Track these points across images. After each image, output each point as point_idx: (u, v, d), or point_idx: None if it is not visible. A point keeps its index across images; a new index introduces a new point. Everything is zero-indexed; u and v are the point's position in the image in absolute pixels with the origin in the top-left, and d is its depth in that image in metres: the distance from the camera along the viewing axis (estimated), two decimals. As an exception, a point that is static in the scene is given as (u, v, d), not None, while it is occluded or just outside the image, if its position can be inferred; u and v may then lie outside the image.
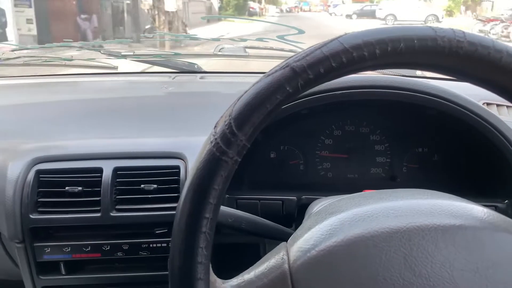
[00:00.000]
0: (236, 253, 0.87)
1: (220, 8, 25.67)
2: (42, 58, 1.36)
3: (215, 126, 0.38)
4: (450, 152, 0.87)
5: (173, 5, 9.58)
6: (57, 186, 0.80)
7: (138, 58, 1.34)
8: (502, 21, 13.48)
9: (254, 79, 0.38)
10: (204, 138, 0.39)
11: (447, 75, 0.42)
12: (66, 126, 0.98)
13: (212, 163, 0.37)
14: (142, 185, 0.80)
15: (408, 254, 0.39)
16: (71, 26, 10.12)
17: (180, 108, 1.10)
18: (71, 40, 1.40)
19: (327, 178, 0.90)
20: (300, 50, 0.38)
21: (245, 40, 1.34)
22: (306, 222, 0.49)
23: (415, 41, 0.36)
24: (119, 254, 0.82)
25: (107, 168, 0.81)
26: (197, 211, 0.38)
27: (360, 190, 0.63)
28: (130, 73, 1.43)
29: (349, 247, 0.40)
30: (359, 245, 0.40)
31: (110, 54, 1.36)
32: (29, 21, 9.11)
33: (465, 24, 16.43)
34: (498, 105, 1.00)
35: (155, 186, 0.80)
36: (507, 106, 1.01)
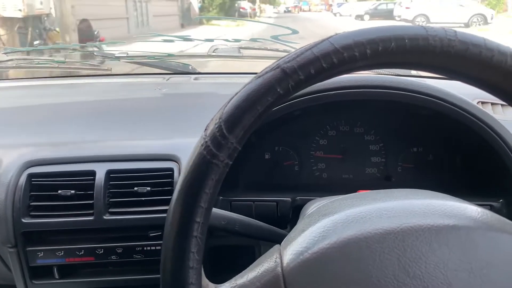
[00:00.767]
0: (232, 255, 0.86)
1: (201, 8, 21.53)
2: (34, 60, 1.35)
3: (205, 129, 0.38)
4: (445, 152, 0.87)
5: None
6: (49, 189, 0.80)
7: (131, 59, 1.33)
8: None
9: (248, 79, 0.38)
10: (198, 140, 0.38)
11: (439, 74, 0.42)
12: (58, 129, 0.97)
13: (202, 167, 0.37)
14: (135, 188, 0.80)
15: (401, 255, 0.39)
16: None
17: (174, 109, 1.09)
18: (64, 42, 1.39)
19: (322, 178, 0.89)
20: (294, 50, 0.38)
21: (239, 40, 1.34)
22: (299, 224, 0.49)
23: (406, 41, 0.36)
24: (113, 257, 0.81)
25: (100, 171, 0.80)
26: (188, 215, 0.37)
27: (355, 191, 0.63)
28: (123, 74, 1.43)
29: (342, 249, 0.40)
30: (352, 246, 0.40)
31: (103, 56, 1.36)
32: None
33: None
34: (492, 104, 1.00)
35: (149, 188, 0.80)
36: (502, 105, 1.01)
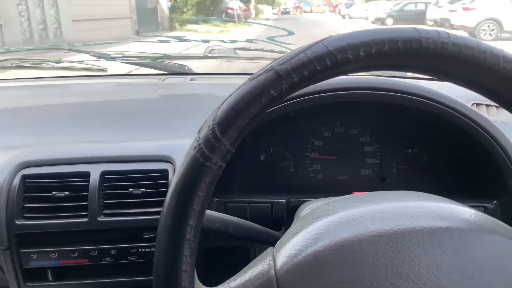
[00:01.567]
0: (226, 256, 0.86)
1: (172, 8, 16.70)
2: (29, 60, 1.35)
3: (199, 131, 0.38)
4: (439, 153, 0.87)
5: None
6: (43, 191, 0.79)
7: (127, 60, 1.32)
8: None
9: (244, 80, 0.38)
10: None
11: (432, 76, 0.42)
12: (53, 130, 0.97)
13: (195, 169, 0.37)
14: (130, 189, 0.79)
15: (395, 258, 0.39)
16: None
17: (170, 110, 1.09)
18: (59, 42, 1.39)
19: (317, 180, 0.89)
20: (290, 51, 0.38)
21: (235, 41, 1.34)
22: (293, 226, 0.49)
23: (400, 43, 0.36)
24: (107, 259, 0.81)
25: (95, 172, 0.80)
26: (181, 218, 0.37)
27: (350, 192, 0.63)
28: (119, 75, 1.42)
29: (335, 251, 0.40)
30: (345, 249, 0.39)
31: (99, 56, 1.35)
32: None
33: None
34: (487, 105, 1.01)
35: (143, 190, 0.79)
36: (496, 107, 1.01)
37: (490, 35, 11.35)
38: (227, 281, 0.44)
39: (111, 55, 1.33)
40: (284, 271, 0.40)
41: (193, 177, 0.37)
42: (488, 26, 11.49)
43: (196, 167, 0.37)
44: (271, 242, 0.50)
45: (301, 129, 0.88)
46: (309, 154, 0.89)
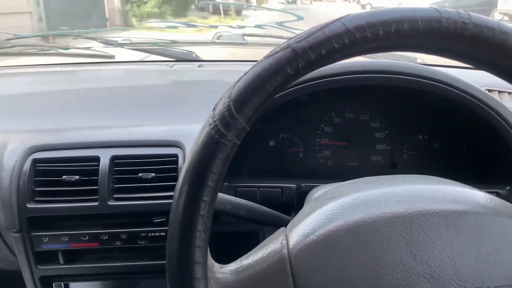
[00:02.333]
0: (235, 241, 0.86)
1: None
2: (38, 47, 1.35)
3: (214, 109, 0.38)
4: (451, 139, 0.87)
5: None
6: (54, 175, 0.80)
7: (135, 46, 1.32)
8: None
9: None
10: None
11: (452, 58, 0.41)
12: (62, 115, 0.97)
13: (210, 146, 0.37)
14: (140, 174, 0.80)
15: (409, 239, 0.38)
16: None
17: (178, 96, 1.09)
18: (67, 28, 1.39)
19: (327, 166, 0.89)
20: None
21: (243, 27, 1.33)
22: (306, 207, 0.49)
23: (419, 23, 0.35)
24: (117, 243, 0.81)
25: (104, 156, 0.80)
26: (196, 193, 0.37)
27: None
28: (127, 61, 1.42)
29: (349, 232, 0.39)
30: (359, 230, 0.39)
31: (107, 43, 1.35)
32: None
33: None
34: (500, 92, 0.99)
35: (153, 174, 0.80)
36: (509, 93, 0.99)
37: None
38: (240, 258, 0.44)
39: (119, 42, 1.33)
40: (297, 250, 0.40)
41: (208, 154, 0.36)
42: None
43: (211, 143, 0.36)
44: (282, 225, 0.50)
45: (311, 115, 0.88)
46: (319, 140, 0.89)
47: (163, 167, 0.80)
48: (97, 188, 0.79)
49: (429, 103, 0.80)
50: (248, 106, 0.36)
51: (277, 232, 0.45)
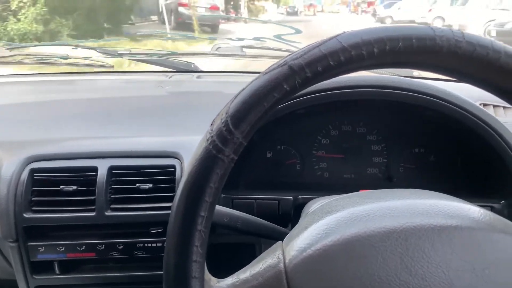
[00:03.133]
0: (232, 253, 0.86)
1: None
2: (37, 56, 1.35)
3: (211, 124, 0.38)
4: (446, 153, 0.87)
5: None
6: (51, 185, 0.80)
7: (134, 57, 1.33)
8: None
9: (251, 78, 0.38)
10: (201, 137, 0.39)
11: (445, 75, 0.42)
12: (61, 125, 0.97)
13: (208, 161, 0.37)
14: (137, 184, 0.80)
15: (404, 254, 0.39)
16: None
17: (177, 107, 1.10)
18: (66, 38, 1.40)
19: (324, 178, 0.89)
20: (297, 50, 0.38)
21: (242, 39, 1.34)
22: (302, 221, 0.49)
23: (414, 41, 0.36)
24: (114, 253, 0.81)
25: (102, 167, 0.80)
26: (193, 208, 0.38)
27: (357, 190, 0.63)
28: (126, 72, 1.43)
29: (345, 246, 0.40)
30: (355, 244, 0.40)
31: (106, 53, 1.35)
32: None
33: None
34: (494, 106, 1.00)
35: (151, 185, 0.80)
36: (504, 107, 1.01)
37: None
38: (236, 273, 0.44)
39: (118, 52, 1.34)
40: (293, 264, 0.41)
41: (206, 169, 0.37)
42: None
43: (209, 158, 0.37)
44: (279, 238, 0.50)
45: (308, 127, 0.89)
46: (316, 152, 0.89)
47: (160, 178, 0.81)
48: (94, 198, 0.79)
49: (425, 117, 0.81)
50: (245, 122, 0.37)
51: (273, 246, 0.46)
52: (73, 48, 1.46)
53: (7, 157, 0.83)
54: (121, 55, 1.32)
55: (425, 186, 0.59)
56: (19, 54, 1.36)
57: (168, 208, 0.40)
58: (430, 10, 14.36)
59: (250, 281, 0.42)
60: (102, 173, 0.80)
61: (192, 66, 1.35)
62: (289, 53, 0.38)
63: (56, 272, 0.82)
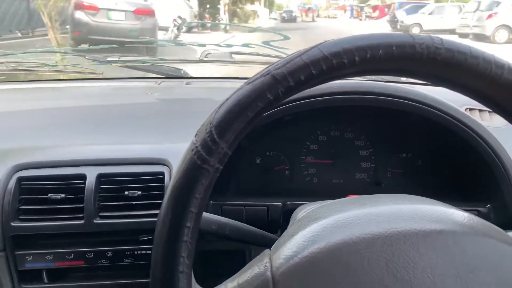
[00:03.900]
0: (222, 259, 0.86)
1: None
2: (26, 63, 1.35)
3: (196, 134, 0.38)
4: (433, 157, 0.88)
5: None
6: (39, 193, 0.79)
7: (123, 63, 1.33)
8: None
9: (240, 84, 0.38)
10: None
11: (426, 81, 0.42)
12: (49, 133, 0.97)
13: (193, 172, 0.37)
14: (126, 192, 0.80)
15: (389, 260, 0.39)
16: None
17: (166, 114, 1.10)
18: (55, 45, 1.39)
19: (313, 183, 0.90)
20: (286, 55, 0.39)
21: (231, 45, 1.35)
22: (289, 229, 0.49)
23: (394, 48, 0.37)
24: (103, 261, 0.80)
25: (91, 174, 0.80)
26: (178, 220, 0.38)
27: (345, 196, 0.64)
28: (115, 78, 1.42)
29: (331, 253, 0.40)
30: (341, 251, 0.40)
31: (95, 60, 1.35)
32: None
33: None
34: (480, 111, 1.02)
35: (140, 192, 0.80)
36: (489, 112, 1.02)
37: None
38: (224, 282, 0.44)
39: (107, 59, 1.34)
40: (281, 272, 0.41)
41: (191, 179, 0.37)
42: None
43: (194, 169, 0.37)
44: (268, 244, 0.51)
45: (297, 133, 0.89)
46: (305, 158, 0.90)
47: (149, 185, 0.80)
48: (83, 206, 0.78)
49: (412, 123, 0.82)
50: (229, 131, 0.37)
51: (261, 254, 0.46)
52: (61, 55, 1.45)
53: None
54: (110, 62, 1.32)
55: (413, 190, 0.60)
56: (7, 62, 1.35)
57: (157, 215, 0.40)
58: (490, 15, 11.58)
59: None
60: (90, 180, 0.79)
61: (182, 72, 1.35)
62: (278, 59, 0.39)
63: (44, 281, 0.81)
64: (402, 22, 15.74)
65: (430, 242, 0.40)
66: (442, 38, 0.38)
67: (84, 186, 0.79)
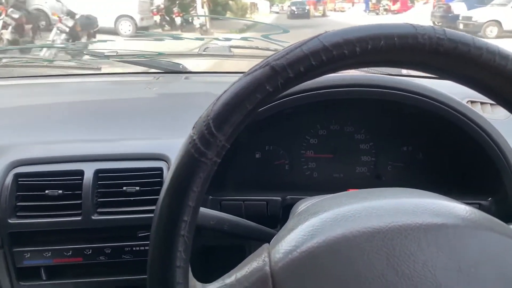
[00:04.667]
0: (222, 254, 0.86)
1: None
2: (23, 59, 1.34)
3: (193, 127, 0.38)
4: (434, 150, 0.88)
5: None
6: (36, 189, 0.78)
7: (121, 58, 1.32)
8: None
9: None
10: None
11: (428, 72, 0.42)
12: (46, 129, 0.96)
13: (190, 165, 0.37)
14: (124, 188, 0.79)
15: (390, 254, 0.38)
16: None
17: (164, 108, 1.09)
18: (53, 40, 1.38)
19: (313, 177, 0.89)
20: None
21: (229, 39, 1.34)
22: (288, 223, 0.49)
23: (396, 39, 0.36)
24: (102, 258, 0.80)
25: (88, 170, 0.79)
26: (175, 214, 0.37)
27: (345, 190, 0.63)
28: (113, 73, 1.41)
29: (331, 247, 0.39)
30: (341, 245, 0.39)
31: (93, 55, 1.34)
32: None
33: None
34: (482, 103, 1.01)
35: (138, 188, 0.79)
36: (491, 104, 1.01)
37: None
38: (222, 277, 0.44)
39: (105, 54, 1.33)
40: (279, 267, 0.40)
41: (188, 173, 0.36)
42: None
43: (191, 162, 0.36)
44: (267, 239, 0.50)
45: (296, 127, 0.88)
46: (305, 152, 0.89)
47: (148, 180, 0.80)
48: (80, 203, 0.78)
49: (413, 115, 0.81)
50: (227, 124, 0.36)
51: (260, 249, 0.45)
52: (59, 50, 1.44)
53: None
54: (107, 57, 1.31)
55: (414, 184, 0.59)
56: (5, 57, 1.34)
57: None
58: None
59: (235, 286, 0.42)
60: (88, 176, 0.79)
61: (180, 66, 1.34)
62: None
63: (42, 278, 0.81)
64: (461, 19, 10.16)
65: (432, 236, 0.39)
66: (445, 29, 0.37)
67: (82, 182, 0.78)
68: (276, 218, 0.80)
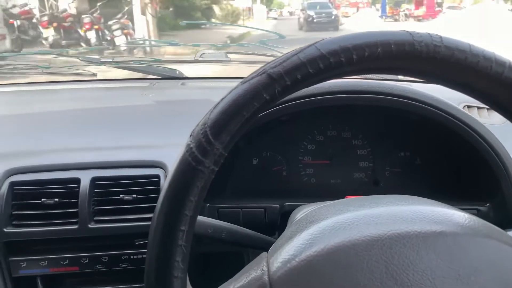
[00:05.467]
0: (220, 262, 0.85)
1: None
2: (18, 65, 1.33)
3: (190, 135, 0.37)
4: (432, 156, 0.88)
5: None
6: (32, 198, 0.78)
7: (117, 64, 1.31)
8: None
9: (236, 84, 0.37)
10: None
11: (425, 79, 0.42)
12: (42, 136, 0.95)
13: (187, 173, 0.36)
14: (121, 195, 0.78)
15: (389, 262, 0.38)
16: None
17: (161, 115, 1.08)
18: (48, 47, 1.38)
19: (310, 184, 0.89)
20: (282, 54, 0.38)
21: (226, 45, 1.33)
22: (286, 231, 0.49)
23: (392, 46, 0.36)
24: (99, 266, 0.79)
25: (85, 178, 0.79)
26: (173, 223, 0.37)
27: (343, 196, 0.63)
28: (109, 80, 1.41)
29: (329, 256, 0.39)
30: (340, 254, 0.39)
31: (89, 61, 1.34)
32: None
33: None
34: (478, 108, 1.01)
35: (135, 196, 0.78)
36: (488, 109, 1.01)
37: None
38: (220, 286, 0.43)
39: (101, 60, 1.32)
40: (278, 276, 0.40)
41: (185, 181, 0.36)
42: None
43: (188, 171, 0.36)
44: (265, 247, 0.50)
45: (294, 133, 0.88)
46: (302, 158, 0.89)
47: (145, 188, 0.79)
48: (77, 211, 0.77)
49: (410, 121, 0.81)
50: (225, 132, 0.36)
51: (258, 257, 0.45)
52: (55, 57, 1.44)
53: None
54: (104, 63, 1.31)
55: (412, 189, 0.59)
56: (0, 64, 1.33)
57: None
58: None
59: None
60: (84, 184, 0.78)
61: (177, 72, 1.34)
62: (274, 58, 0.38)
63: None
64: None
65: (430, 244, 0.39)
66: (441, 36, 0.37)
67: (78, 190, 0.78)
68: (274, 225, 0.79)
